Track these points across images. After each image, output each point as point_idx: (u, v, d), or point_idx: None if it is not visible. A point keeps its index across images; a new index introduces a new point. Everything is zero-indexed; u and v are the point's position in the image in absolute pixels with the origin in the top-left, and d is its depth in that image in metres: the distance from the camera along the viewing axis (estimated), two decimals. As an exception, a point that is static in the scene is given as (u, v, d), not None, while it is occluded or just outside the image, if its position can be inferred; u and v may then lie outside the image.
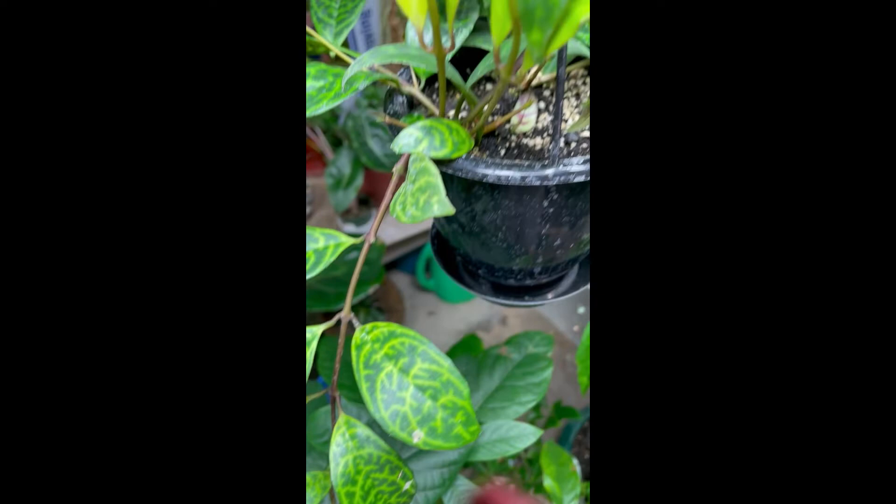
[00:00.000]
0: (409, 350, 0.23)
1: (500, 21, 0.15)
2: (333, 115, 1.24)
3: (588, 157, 0.23)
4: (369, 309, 1.24)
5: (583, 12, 0.13)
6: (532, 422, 0.93)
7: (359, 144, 1.04)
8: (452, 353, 0.69)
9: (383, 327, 0.24)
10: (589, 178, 0.22)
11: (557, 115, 0.21)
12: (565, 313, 1.29)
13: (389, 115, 0.26)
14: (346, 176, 1.08)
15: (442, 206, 0.20)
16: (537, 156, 0.27)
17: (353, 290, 0.27)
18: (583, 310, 1.13)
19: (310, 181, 1.35)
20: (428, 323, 1.33)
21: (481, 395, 0.60)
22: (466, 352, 0.72)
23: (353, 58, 0.31)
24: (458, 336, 1.30)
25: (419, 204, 0.21)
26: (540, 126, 0.29)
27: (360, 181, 1.07)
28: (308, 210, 1.36)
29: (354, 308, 1.22)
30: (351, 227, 1.26)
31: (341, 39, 0.33)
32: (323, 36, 0.33)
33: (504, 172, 0.22)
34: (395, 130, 0.25)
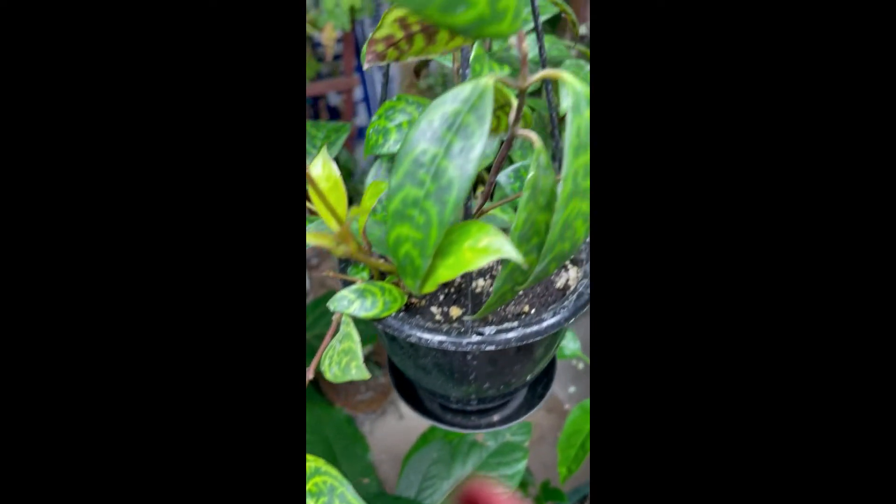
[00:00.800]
0: (329, 490, 0.25)
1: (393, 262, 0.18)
2: (348, 172, 1.30)
3: (502, 326, 0.25)
4: (367, 363, 1.25)
5: (444, 276, 0.16)
6: (516, 501, 0.91)
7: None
8: (429, 435, 0.69)
9: (311, 461, 0.26)
10: (500, 348, 0.24)
11: (468, 296, 0.23)
12: (563, 381, 1.28)
13: (341, 262, 0.29)
14: (353, 237, 1.12)
15: (359, 371, 0.23)
16: (476, 300, 0.29)
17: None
18: (573, 389, 1.12)
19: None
20: (425, 383, 1.33)
21: (451, 484, 0.60)
22: (444, 433, 0.73)
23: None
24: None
25: (341, 365, 0.23)
26: (485, 265, 0.31)
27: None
28: (317, 261, 1.40)
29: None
30: (356, 284, 1.29)
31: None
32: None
33: (424, 335, 0.24)
34: (345, 282, 0.28)
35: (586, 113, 0.15)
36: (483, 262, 0.15)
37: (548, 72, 0.15)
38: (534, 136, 0.16)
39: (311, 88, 1.33)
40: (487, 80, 0.15)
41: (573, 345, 0.70)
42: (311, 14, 1.31)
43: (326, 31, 1.28)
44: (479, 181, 0.34)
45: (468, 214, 0.21)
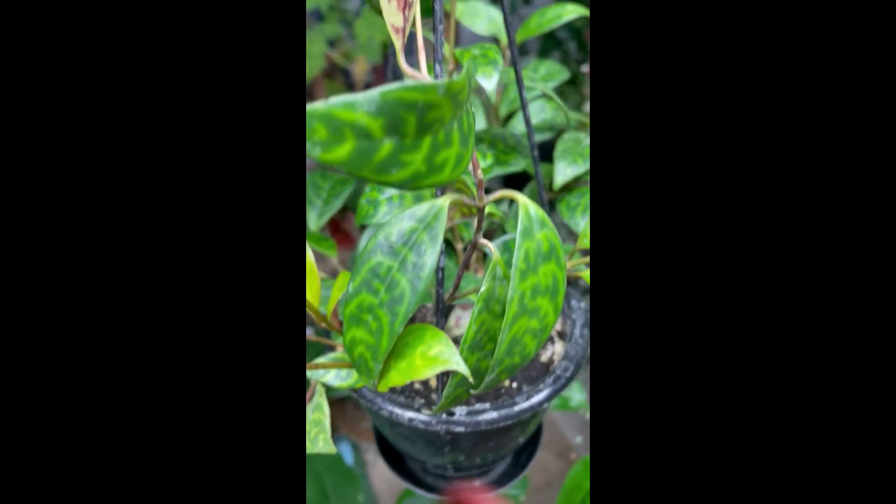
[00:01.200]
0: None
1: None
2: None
3: (474, 407, 0.25)
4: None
5: (396, 380, 0.16)
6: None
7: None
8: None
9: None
10: (469, 429, 0.24)
11: (440, 381, 0.24)
12: (571, 431, 1.25)
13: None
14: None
15: (326, 444, 0.23)
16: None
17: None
18: (580, 439, 1.09)
19: (340, 255, 1.44)
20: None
21: (439, 534, 0.59)
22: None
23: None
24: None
25: (310, 436, 0.24)
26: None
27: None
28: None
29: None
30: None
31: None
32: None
33: (396, 410, 0.25)
34: (327, 348, 0.28)
35: (539, 235, 0.15)
36: (432, 372, 0.16)
37: (504, 192, 0.16)
38: (492, 247, 0.17)
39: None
40: (443, 202, 0.15)
41: (580, 396, 0.68)
42: (345, 46, 1.37)
43: (359, 64, 1.33)
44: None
45: (440, 299, 0.22)
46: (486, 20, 0.41)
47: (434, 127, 0.11)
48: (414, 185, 0.12)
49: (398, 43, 0.15)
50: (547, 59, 0.43)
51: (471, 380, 0.15)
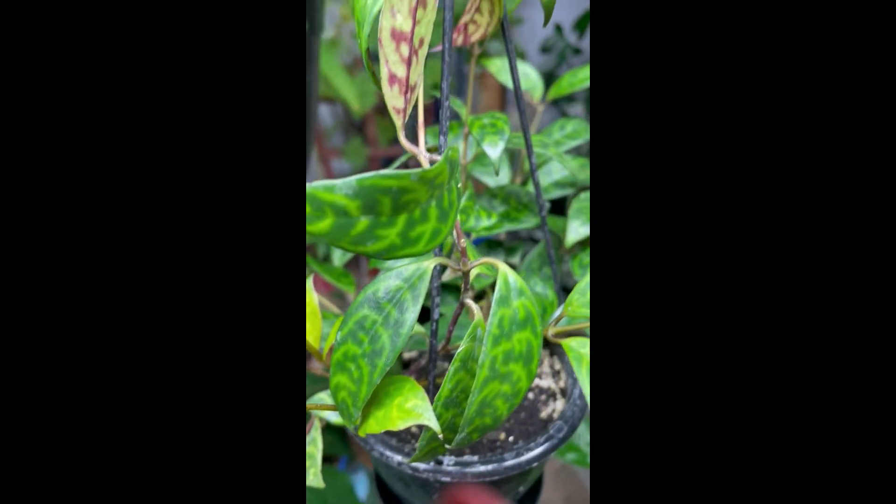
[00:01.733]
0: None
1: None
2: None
3: (462, 458, 0.25)
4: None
5: (373, 427, 0.17)
6: None
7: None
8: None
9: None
10: (455, 480, 0.25)
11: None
12: (587, 480, 1.19)
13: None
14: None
15: (316, 479, 0.24)
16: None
17: None
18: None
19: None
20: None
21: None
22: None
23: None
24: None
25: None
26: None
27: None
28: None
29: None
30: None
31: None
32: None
33: (387, 452, 0.25)
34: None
35: (516, 304, 0.16)
36: (405, 424, 0.17)
37: (487, 259, 0.17)
38: (475, 309, 0.18)
39: (389, 151, 1.45)
40: (428, 265, 0.16)
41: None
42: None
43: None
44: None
45: (433, 350, 0.23)
46: (520, 77, 0.43)
47: (409, 206, 0.13)
48: (389, 256, 0.13)
49: (398, 122, 0.16)
50: (575, 117, 0.44)
51: (440, 436, 0.16)
